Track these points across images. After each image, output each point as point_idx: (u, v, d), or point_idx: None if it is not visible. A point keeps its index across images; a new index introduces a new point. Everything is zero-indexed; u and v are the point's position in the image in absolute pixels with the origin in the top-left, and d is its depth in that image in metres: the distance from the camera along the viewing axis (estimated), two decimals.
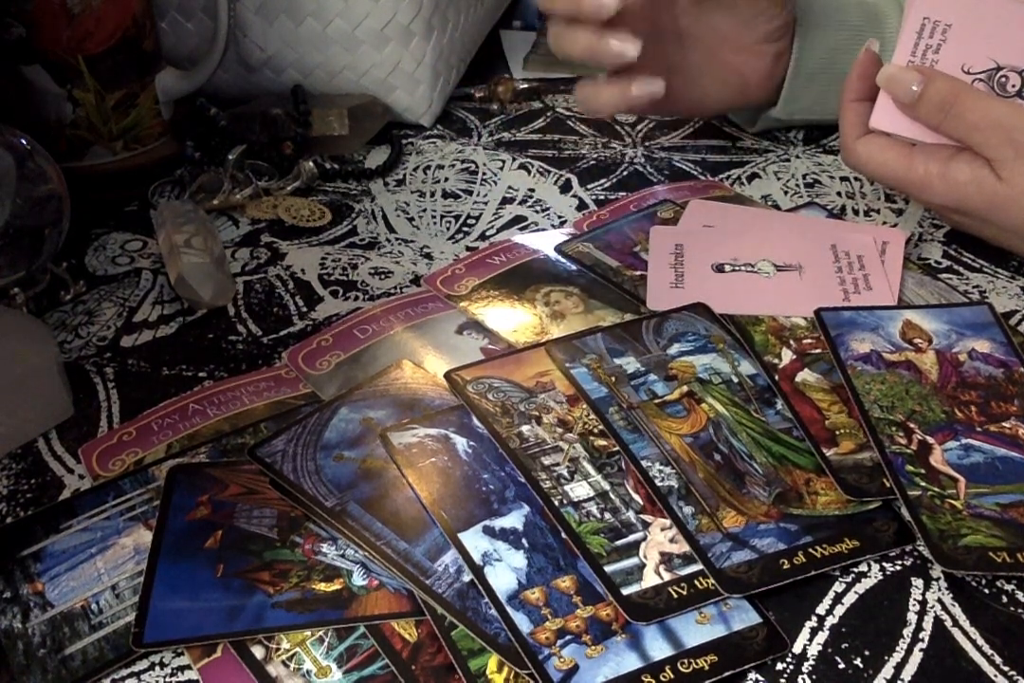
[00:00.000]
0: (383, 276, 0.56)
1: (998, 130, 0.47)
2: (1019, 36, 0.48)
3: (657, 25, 0.59)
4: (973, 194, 0.49)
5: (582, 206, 0.62)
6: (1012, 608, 0.36)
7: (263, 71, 0.71)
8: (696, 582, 0.35)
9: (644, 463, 0.40)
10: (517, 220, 0.61)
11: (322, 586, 0.36)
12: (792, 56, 0.62)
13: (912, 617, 0.35)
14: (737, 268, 0.52)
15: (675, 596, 0.35)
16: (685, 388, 0.44)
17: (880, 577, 0.37)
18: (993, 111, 0.48)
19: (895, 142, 0.51)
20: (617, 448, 0.41)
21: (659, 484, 0.39)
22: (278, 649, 0.34)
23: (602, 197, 0.63)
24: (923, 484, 0.39)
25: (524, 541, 0.37)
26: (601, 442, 0.41)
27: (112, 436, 0.44)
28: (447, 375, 0.45)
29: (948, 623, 0.35)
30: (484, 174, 0.67)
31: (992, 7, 0.48)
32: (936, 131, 0.50)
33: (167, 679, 0.34)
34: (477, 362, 0.46)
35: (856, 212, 0.60)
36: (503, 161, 0.68)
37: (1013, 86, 0.49)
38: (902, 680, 0.33)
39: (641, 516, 0.38)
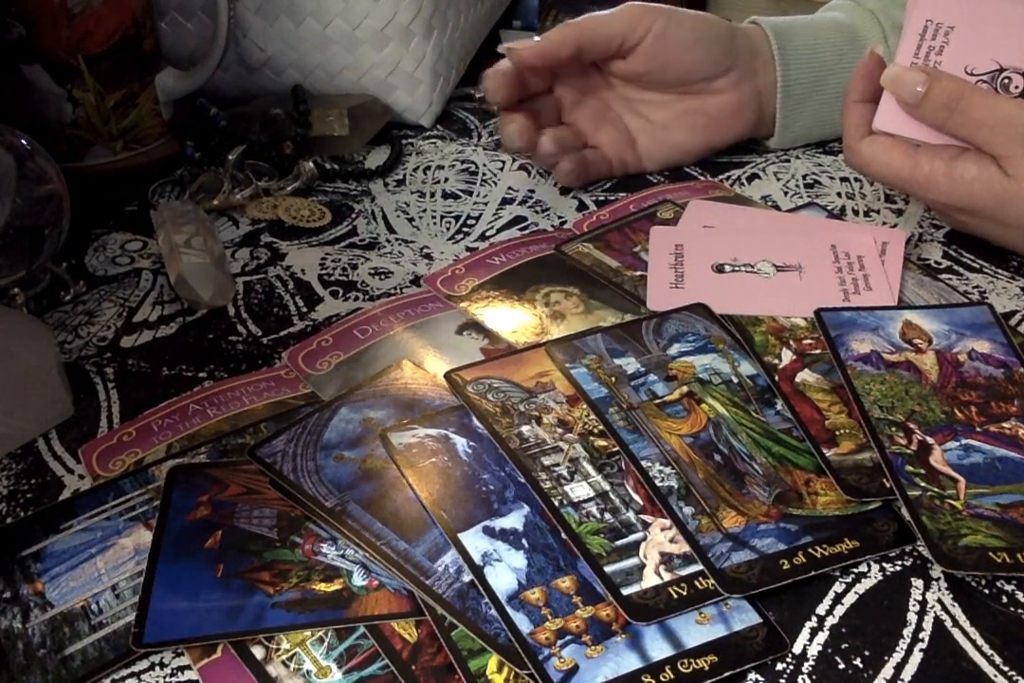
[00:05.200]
0: (383, 276, 0.56)
1: (1005, 127, 0.47)
2: (1021, 37, 0.48)
3: (604, 103, 0.64)
4: (981, 191, 0.49)
5: (582, 207, 0.62)
6: (1012, 608, 0.36)
7: (263, 71, 0.71)
8: (696, 582, 0.35)
9: (644, 463, 0.40)
10: (517, 220, 0.61)
11: (322, 586, 0.36)
12: (778, 84, 0.62)
13: (912, 617, 0.35)
14: (737, 268, 0.52)
15: (675, 596, 0.35)
16: (685, 388, 0.44)
17: (880, 577, 0.37)
18: (999, 108, 0.48)
19: (899, 142, 0.51)
20: (617, 448, 0.41)
21: (659, 484, 0.39)
22: (278, 649, 0.34)
23: (602, 198, 0.63)
24: (923, 484, 0.39)
25: (524, 541, 0.37)
26: (601, 442, 0.41)
27: (112, 436, 0.44)
28: (447, 375, 0.45)
29: (948, 623, 0.35)
30: (484, 174, 0.67)
31: (994, 9, 0.48)
32: (941, 130, 0.50)
33: (167, 679, 0.34)
34: (477, 362, 0.46)
35: (856, 212, 0.60)
36: (503, 162, 0.68)
37: (1016, 87, 0.49)
38: (902, 680, 0.33)
39: (641, 516, 0.38)
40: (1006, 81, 0.49)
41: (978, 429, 0.41)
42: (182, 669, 0.34)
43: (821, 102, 0.64)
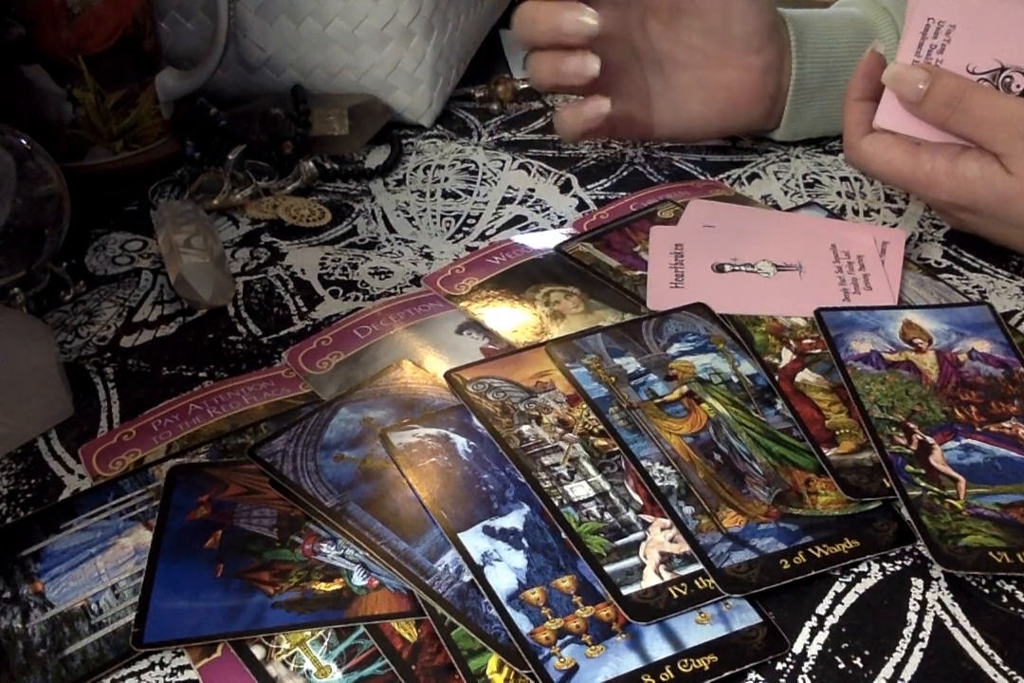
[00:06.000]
0: (383, 276, 0.56)
1: (1007, 125, 0.47)
2: (1023, 37, 0.48)
3: (633, 50, 0.60)
4: (982, 190, 0.49)
5: (582, 206, 0.62)
6: (1012, 608, 0.36)
7: (263, 71, 0.71)
8: (696, 582, 0.35)
9: (644, 463, 0.40)
10: (517, 220, 0.61)
11: (322, 586, 0.36)
12: (792, 75, 0.62)
13: (912, 617, 0.35)
14: (737, 268, 0.52)
15: (675, 596, 0.35)
16: (685, 388, 0.44)
17: (880, 577, 0.37)
18: (1001, 106, 0.48)
19: (900, 140, 0.51)
20: (617, 448, 0.41)
21: (659, 484, 0.39)
22: (278, 649, 0.34)
23: (602, 197, 0.63)
24: (923, 484, 0.39)
25: (524, 541, 0.37)
26: (601, 442, 0.41)
27: (112, 436, 0.44)
28: (447, 375, 0.45)
29: (948, 623, 0.35)
30: (484, 174, 0.67)
31: (996, 8, 0.48)
32: (942, 128, 0.50)
33: (167, 679, 0.34)
34: (477, 362, 0.46)
35: (856, 212, 0.60)
36: (503, 161, 0.68)
37: (1018, 86, 0.49)
38: (902, 680, 0.33)
39: (641, 516, 0.38)
40: (1008, 80, 0.49)
41: (978, 429, 0.41)
42: (182, 669, 0.34)
43: (830, 97, 0.64)
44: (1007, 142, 0.47)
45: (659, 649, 0.33)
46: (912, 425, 0.41)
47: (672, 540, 0.37)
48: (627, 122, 0.61)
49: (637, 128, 0.62)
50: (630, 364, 0.45)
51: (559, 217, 0.61)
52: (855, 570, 0.37)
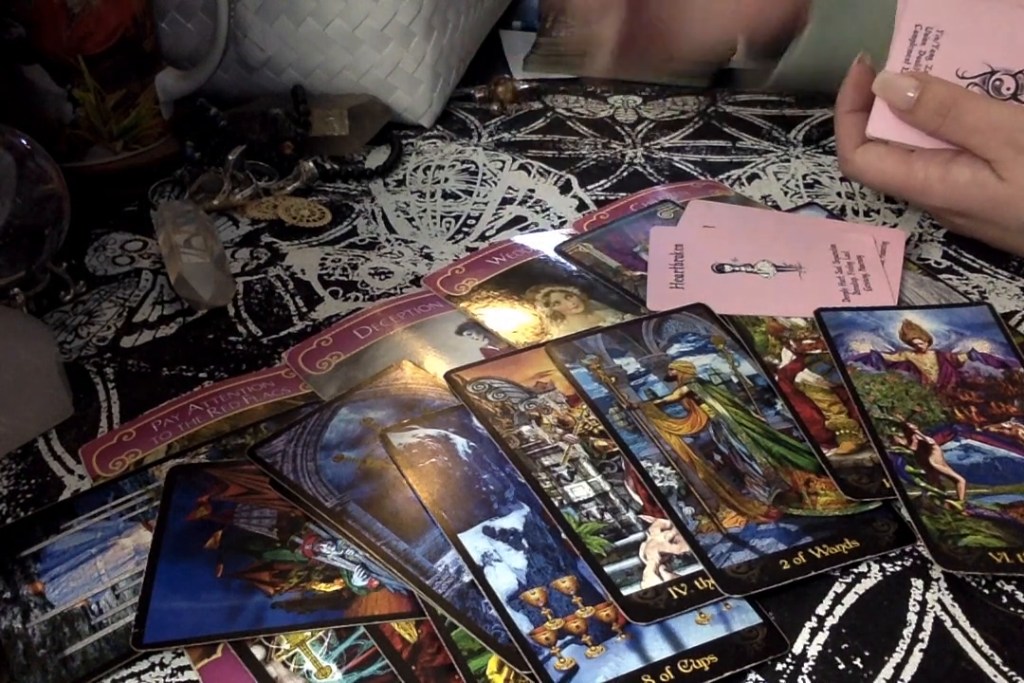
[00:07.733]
0: (383, 276, 0.56)
1: (998, 131, 0.47)
2: (1011, 39, 0.48)
3: None
4: (975, 196, 0.49)
5: (582, 206, 0.62)
6: (1012, 608, 0.36)
7: (263, 71, 0.71)
8: (696, 582, 0.35)
9: (644, 463, 0.40)
10: (517, 220, 0.61)
11: (322, 586, 0.36)
12: None
13: (912, 617, 0.35)
14: (737, 268, 0.52)
15: (675, 596, 0.35)
16: (685, 388, 0.44)
17: (880, 577, 0.37)
18: (991, 113, 0.48)
19: (893, 149, 0.52)
20: (617, 448, 0.41)
21: (659, 484, 0.39)
22: (278, 649, 0.34)
23: (602, 197, 0.63)
24: (923, 484, 0.39)
25: (524, 541, 0.37)
26: (601, 442, 0.41)
27: (112, 436, 0.44)
28: (447, 376, 0.45)
29: (948, 623, 0.35)
30: (484, 174, 0.67)
31: (983, 12, 0.48)
32: (934, 135, 0.50)
33: (167, 679, 0.34)
34: (477, 362, 0.46)
35: (856, 212, 0.60)
36: (503, 162, 0.68)
37: (1008, 89, 0.49)
38: (902, 680, 0.33)
39: (641, 516, 0.38)
40: (997, 83, 0.49)
41: (978, 429, 0.41)
42: (182, 669, 0.34)
43: (856, 23, 0.62)
44: (998, 149, 0.48)
45: (659, 649, 0.33)
46: (912, 425, 0.41)
47: (672, 540, 0.37)
48: (659, 35, 0.62)
49: (670, 40, 0.63)
50: (630, 364, 0.45)
51: (559, 217, 0.61)
52: (855, 570, 0.37)
